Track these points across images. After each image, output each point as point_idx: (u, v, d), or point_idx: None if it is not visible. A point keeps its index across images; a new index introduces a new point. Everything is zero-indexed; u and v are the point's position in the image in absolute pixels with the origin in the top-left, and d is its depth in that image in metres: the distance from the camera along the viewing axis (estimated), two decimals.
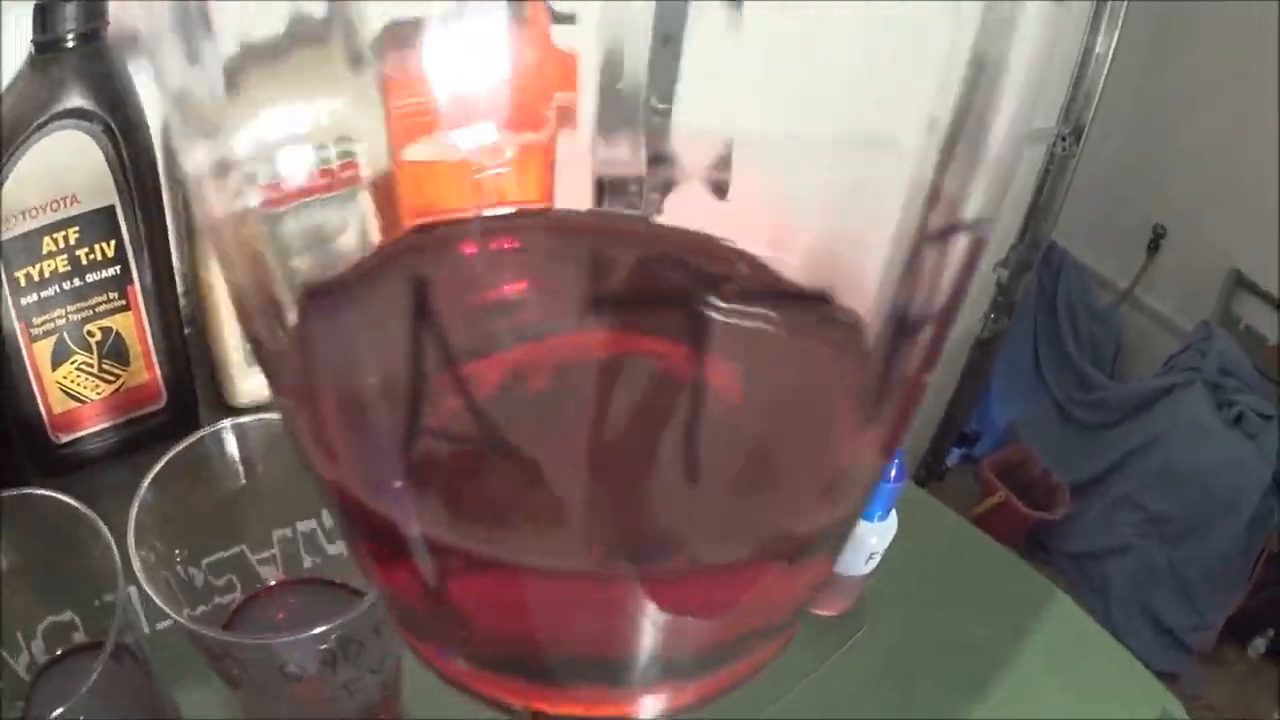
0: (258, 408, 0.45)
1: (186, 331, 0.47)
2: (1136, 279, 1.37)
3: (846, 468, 0.13)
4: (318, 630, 0.25)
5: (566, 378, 0.14)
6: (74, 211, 0.39)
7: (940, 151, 0.10)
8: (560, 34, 0.14)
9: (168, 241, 0.43)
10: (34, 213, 0.39)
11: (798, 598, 0.15)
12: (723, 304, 0.14)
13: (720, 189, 0.14)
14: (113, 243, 0.41)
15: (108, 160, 0.39)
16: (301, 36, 0.12)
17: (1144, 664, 0.44)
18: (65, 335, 0.42)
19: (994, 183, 0.10)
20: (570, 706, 0.15)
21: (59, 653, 0.34)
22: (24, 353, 0.41)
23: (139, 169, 0.40)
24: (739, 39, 0.12)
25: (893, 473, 0.36)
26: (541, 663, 0.14)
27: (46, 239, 0.39)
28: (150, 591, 0.26)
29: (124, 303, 0.43)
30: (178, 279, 0.45)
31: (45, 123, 0.37)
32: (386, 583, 0.15)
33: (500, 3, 0.13)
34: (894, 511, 0.39)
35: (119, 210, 0.40)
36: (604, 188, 0.15)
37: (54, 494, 0.29)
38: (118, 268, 0.42)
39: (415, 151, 0.14)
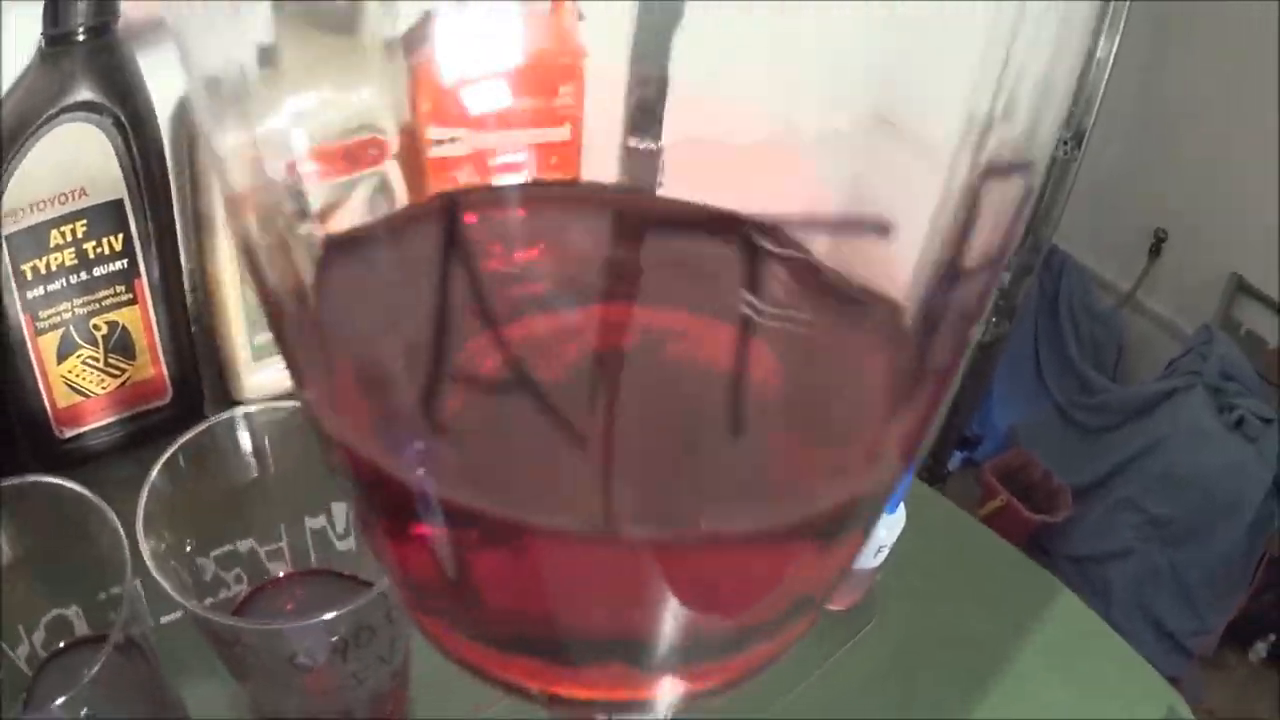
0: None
1: (193, 329, 0.46)
2: (1138, 283, 1.37)
3: (885, 434, 0.13)
4: (330, 615, 0.25)
5: (597, 344, 0.14)
6: (82, 205, 0.39)
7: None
8: (583, 26, 0.14)
9: (175, 235, 0.43)
10: (42, 205, 0.39)
11: (828, 575, 0.15)
12: (761, 267, 0.14)
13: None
14: (120, 236, 0.41)
15: (117, 154, 0.39)
16: (331, 20, 0.12)
17: None
18: (71, 329, 0.42)
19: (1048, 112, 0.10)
20: (589, 690, 0.15)
21: (61, 645, 0.34)
22: (29, 346, 0.41)
23: (148, 162, 0.40)
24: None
25: None
26: (560, 642, 0.14)
27: (54, 232, 0.39)
28: (160, 577, 0.26)
29: (131, 297, 0.43)
30: (185, 275, 0.45)
31: (54, 115, 0.37)
32: (401, 559, 0.15)
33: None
34: (902, 505, 0.39)
35: (127, 204, 0.40)
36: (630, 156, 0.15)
37: (62, 481, 0.29)
38: (125, 261, 0.42)
39: (437, 132, 0.14)
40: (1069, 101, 0.10)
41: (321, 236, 0.13)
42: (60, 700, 0.25)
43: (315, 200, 0.13)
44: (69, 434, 0.44)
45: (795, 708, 0.39)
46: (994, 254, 0.11)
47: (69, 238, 0.40)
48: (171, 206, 0.42)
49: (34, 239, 0.39)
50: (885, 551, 0.40)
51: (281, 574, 0.35)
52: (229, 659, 0.29)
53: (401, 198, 0.14)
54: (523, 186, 0.14)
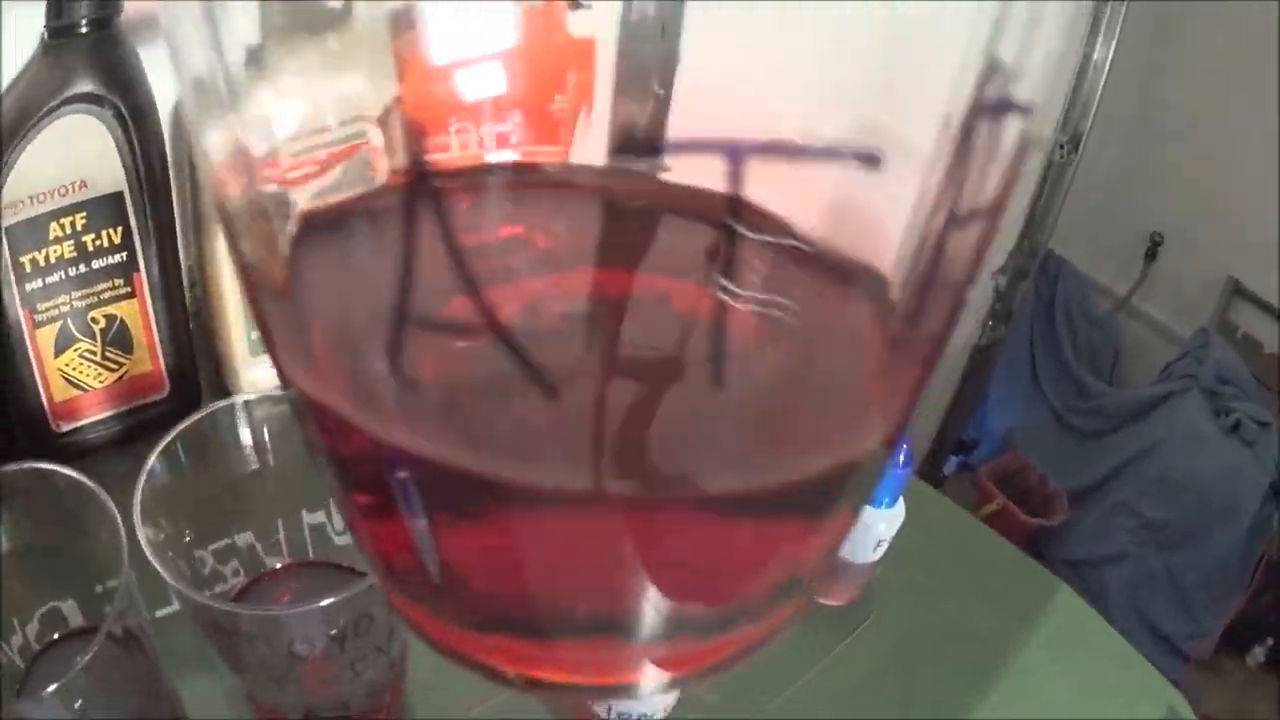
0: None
1: (191, 325, 0.46)
2: (1134, 287, 1.37)
3: (873, 401, 0.13)
4: (327, 602, 0.25)
5: (578, 309, 0.14)
6: (82, 197, 0.39)
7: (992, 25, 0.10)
8: (577, 20, 0.14)
9: (175, 230, 0.43)
10: (42, 198, 0.38)
11: (814, 554, 0.14)
12: (746, 233, 0.14)
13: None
14: (120, 229, 0.41)
15: (118, 146, 0.39)
16: (319, 18, 0.12)
17: None
18: (69, 322, 0.42)
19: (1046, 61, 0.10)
20: (567, 674, 0.14)
21: (55, 637, 0.34)
22: (26, 339, 0.41)
23: (149, 156, 0.40)
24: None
25: (900, 458, 0.36)
26: (539, 616, 0.14)
27: (53, 224, 0.39)
28: (158, 565, 0.26)
29: (129, 290, 0.42)
30: (184, 272, 0.45)
31: (56, 107, 0.37)
32: (379, 541, 0.14)
33: None
34: (901, 499, 0.39)
35: (127, 196, 0.40)
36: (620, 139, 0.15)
37: (58, 468, 0.29)
38: (124, 254, 0.41)
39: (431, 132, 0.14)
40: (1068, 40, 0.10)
41: (300, 210, 0.13)
42: (52, 688, 0.24)
43: (299, 200, 0.13)
44: (65, 428, 0.44)
45: (794, 703, 0.39)
46: (989, 201, 0.11)
47: (68, 230, 0.40)
48: (171, 201, 0.42)
49: (33, 231, 0.39)
50: (884, 546, 0.40)
51: (279, 565, 0.35)
52: (226, 650, 0.29)
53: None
54: (508, 166, 0.14)
